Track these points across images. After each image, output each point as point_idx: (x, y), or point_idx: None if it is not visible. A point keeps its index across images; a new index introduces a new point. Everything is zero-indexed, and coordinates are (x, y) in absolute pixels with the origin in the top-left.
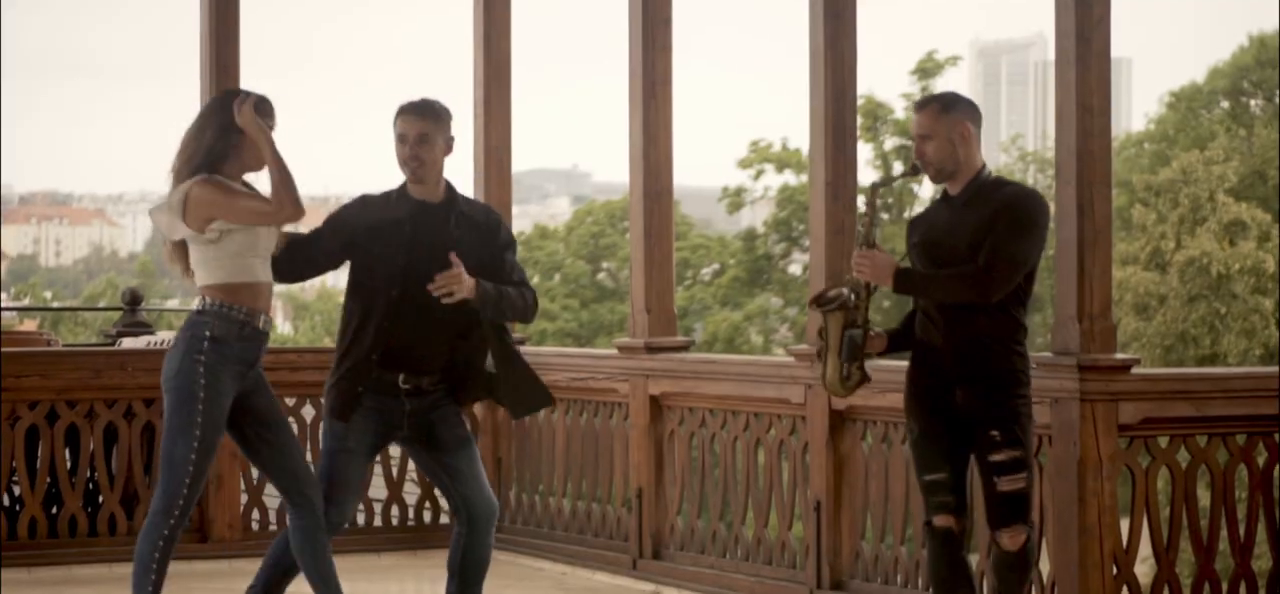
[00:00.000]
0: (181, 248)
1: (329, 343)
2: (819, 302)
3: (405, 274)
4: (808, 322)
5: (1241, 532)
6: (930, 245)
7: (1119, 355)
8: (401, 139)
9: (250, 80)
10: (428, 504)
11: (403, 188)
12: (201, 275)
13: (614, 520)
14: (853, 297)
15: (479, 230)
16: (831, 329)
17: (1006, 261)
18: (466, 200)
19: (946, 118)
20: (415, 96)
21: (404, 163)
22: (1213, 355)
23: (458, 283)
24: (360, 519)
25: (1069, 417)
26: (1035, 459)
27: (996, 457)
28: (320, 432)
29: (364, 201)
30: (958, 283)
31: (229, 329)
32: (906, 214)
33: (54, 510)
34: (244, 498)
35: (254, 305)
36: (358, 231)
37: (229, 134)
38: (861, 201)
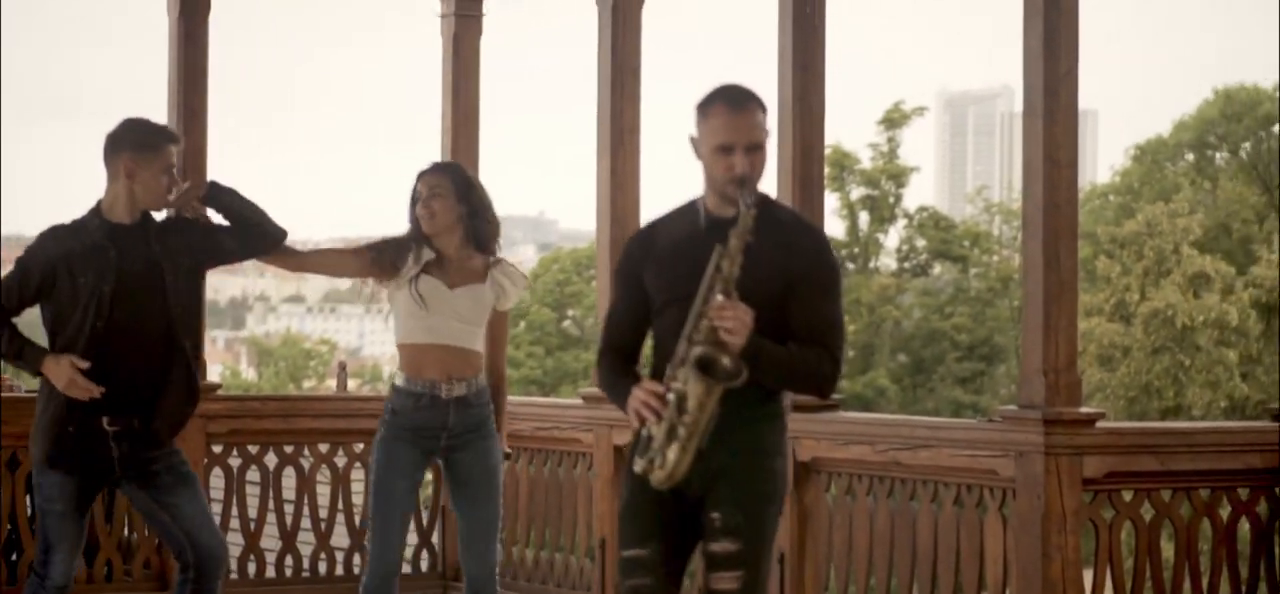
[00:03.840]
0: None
1: (293, 389)
2: (711, 368)
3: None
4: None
5: (1205, 586)
6: None
7: (1084, 409)
8: None
9: (218, 124)
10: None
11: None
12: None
13: (577, 570)
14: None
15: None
16: (711, 405)
17: None
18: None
19: None
20: None
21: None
22: (1176, 407)
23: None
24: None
25: (1034, 470)
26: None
27: None
28: (282, 481)
29: (55, 233)
30: None
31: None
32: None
33: (14, 558)
34: None
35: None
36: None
37: None
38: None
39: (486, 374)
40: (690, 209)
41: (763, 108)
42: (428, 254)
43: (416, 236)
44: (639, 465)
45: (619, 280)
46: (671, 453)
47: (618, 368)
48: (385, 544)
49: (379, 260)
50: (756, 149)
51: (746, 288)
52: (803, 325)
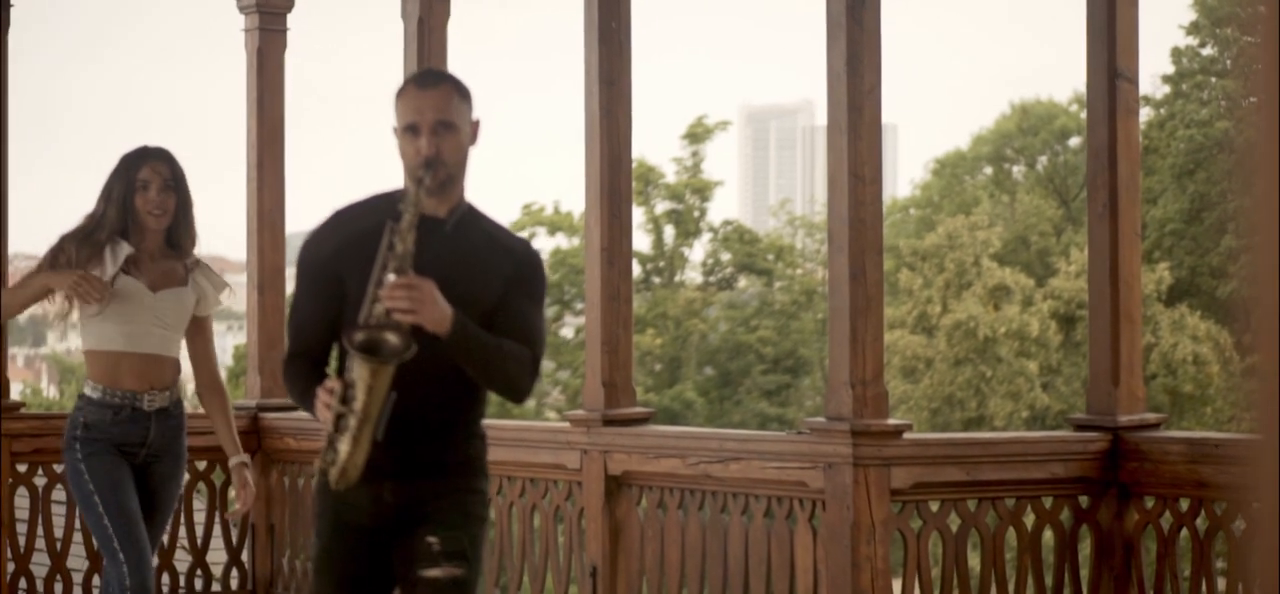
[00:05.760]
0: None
1: None
2: (376, 349)
3: None
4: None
5: (1011, 593)
6: None
7: (891, 421)
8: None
9: (18, 141)
10: None
11: None
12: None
13: None
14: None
15: None
16: (380, 388)
17: None
18: None
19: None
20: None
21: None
22: (979, 418)
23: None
24: None
25: (842, 481)
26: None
27: None
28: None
29: None
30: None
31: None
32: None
33: None
34: (11, 566)
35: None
36: None
37: None
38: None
39: (201, 387)
40: (391, 199)
41: (461, 93)
42: (125, 250)
43: (115, 230)
44: (317, 463)
45: (307, 278)
46: (342, 446)
47: (306, 373)
48: (142, 553)
49: (69, 262)
50: (448, 129)
51: (468, 295)
52: (509, 329)
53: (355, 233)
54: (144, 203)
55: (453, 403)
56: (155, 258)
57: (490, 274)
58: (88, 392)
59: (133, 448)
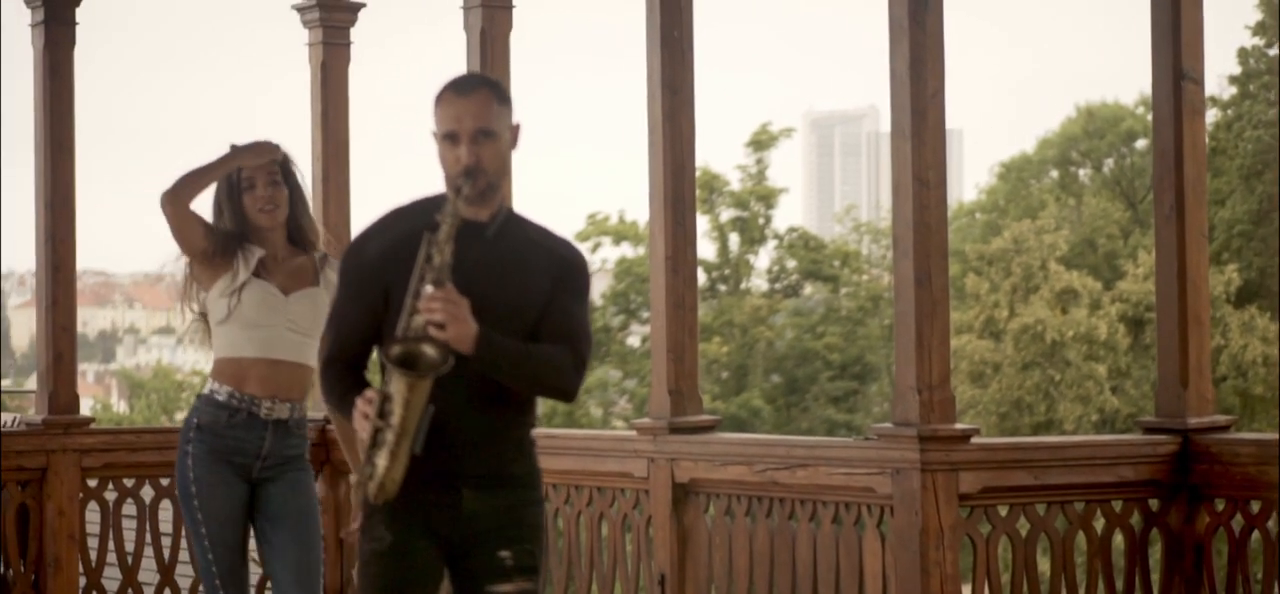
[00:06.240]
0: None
1: (166, 422)
2: (413, 363)
3: None
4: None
5: None
6: None
7: (958, 426)
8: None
9: (86, 156)
10: None
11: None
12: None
13: None
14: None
15: None
16: (418, 402)
17: None
18: None
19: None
20: None
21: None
22: (1048, 422)
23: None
24: None
25: (910, 487)
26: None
27: None
28: (158, 514)
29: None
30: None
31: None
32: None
33: None
34: (82, 581)
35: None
36: None
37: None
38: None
39: None
40: (436, 204)
41: (500, 97)
42: (257, 253)
43: (240, 233)
44: (354, 478)
45: (349, 281)
46: (380, 460)
47: (343, 378)
48: (242, 587)
49: (217, 248)
50: (487, 137)
51: (514, 299)
52: (554, 327)
53: (400, 236)
54: (253, 201)
55: (514, 411)
56: (282, 259)
57: (536, 276)
58: (205, 391)
59: (246, 460)
